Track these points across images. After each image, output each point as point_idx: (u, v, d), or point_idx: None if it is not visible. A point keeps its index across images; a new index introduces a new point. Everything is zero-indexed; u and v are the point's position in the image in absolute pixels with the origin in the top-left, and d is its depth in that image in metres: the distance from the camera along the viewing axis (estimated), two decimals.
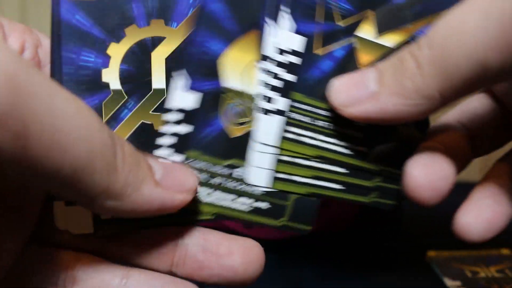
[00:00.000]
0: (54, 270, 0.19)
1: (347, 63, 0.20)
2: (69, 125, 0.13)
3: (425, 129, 0.22)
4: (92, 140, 0.14)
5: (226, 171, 0.20)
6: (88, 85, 0.18)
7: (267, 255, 0.39)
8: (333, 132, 0.20)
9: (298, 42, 0.19)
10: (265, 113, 0.20)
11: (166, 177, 0.17)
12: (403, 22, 0.20)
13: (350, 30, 0.20)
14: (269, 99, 0.20)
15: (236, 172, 0.20)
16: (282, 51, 0.19)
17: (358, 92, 0.19)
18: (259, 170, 0.20)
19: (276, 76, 0.19)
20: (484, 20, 0.16)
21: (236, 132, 0.20)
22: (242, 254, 0.19)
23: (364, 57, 0.20)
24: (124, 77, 0.18)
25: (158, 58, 0.18)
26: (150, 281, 0.19)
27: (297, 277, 0.37)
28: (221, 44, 0.19)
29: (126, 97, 0.18)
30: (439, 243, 0.41)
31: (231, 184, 0.20)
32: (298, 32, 0.19)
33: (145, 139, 0.19)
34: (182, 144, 0.19)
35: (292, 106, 0.20)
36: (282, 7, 0.19)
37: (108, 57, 0.18)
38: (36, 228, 0.19)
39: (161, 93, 0.19)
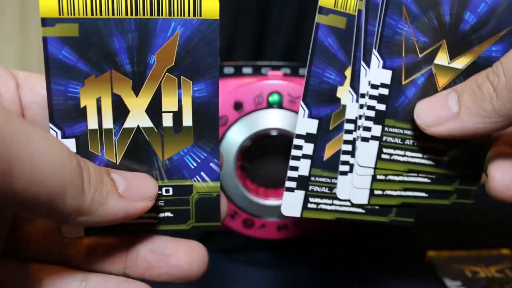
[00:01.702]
0: (22, 280, 0.21)
1: (428, 87, 0.24)
2: (45, 162, 0.16)
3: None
4: (63, 171, 0.17)
5: None
6: (327, 97, 0.24)
7: (266, 255, 0.39)
8: (419, 147, 0.24)
9: (386, 76, 0.23)
10: (363, 141, 0.24)
11: (128, 188, 0.20)
12: (470, 46, 0.23)
13: (428, 60, 0.23)
14: (365, 128, 0.24)
15: None
16: (373, 86, 0.23)
17: (440, 113, 0.22)
18: (359, 190, 0.24)
19: (369, 108, 0.23)
20: None
21: None
22: (185, 254, 0.22)
23: (441, 80, 0.24)
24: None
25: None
26: (106, 282, 0.22)
27: (295, 277, 0.37)
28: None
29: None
30: (439, 243, 0.41)
31: None
32: (385, 67, 0.23)
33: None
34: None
35: (385, 131, 0.24)
36: (373, 50, 0.23)
37: (344, 77, 0.23)
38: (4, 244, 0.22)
39: None
